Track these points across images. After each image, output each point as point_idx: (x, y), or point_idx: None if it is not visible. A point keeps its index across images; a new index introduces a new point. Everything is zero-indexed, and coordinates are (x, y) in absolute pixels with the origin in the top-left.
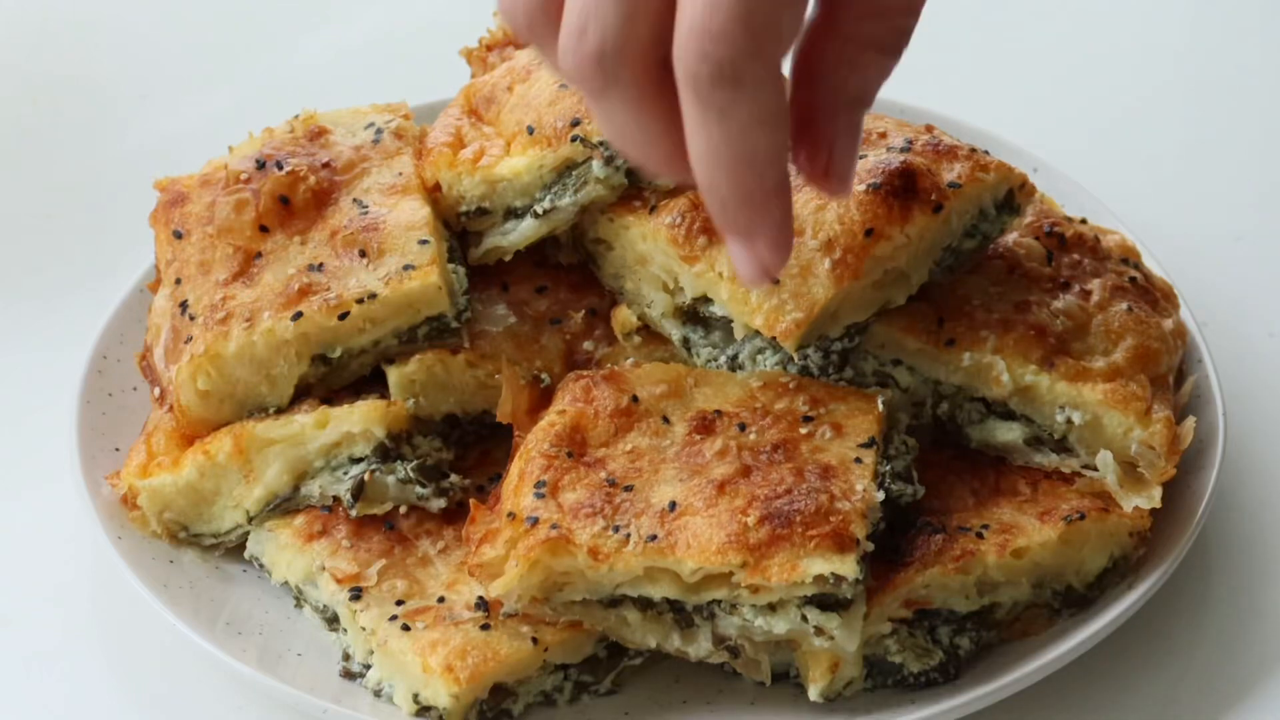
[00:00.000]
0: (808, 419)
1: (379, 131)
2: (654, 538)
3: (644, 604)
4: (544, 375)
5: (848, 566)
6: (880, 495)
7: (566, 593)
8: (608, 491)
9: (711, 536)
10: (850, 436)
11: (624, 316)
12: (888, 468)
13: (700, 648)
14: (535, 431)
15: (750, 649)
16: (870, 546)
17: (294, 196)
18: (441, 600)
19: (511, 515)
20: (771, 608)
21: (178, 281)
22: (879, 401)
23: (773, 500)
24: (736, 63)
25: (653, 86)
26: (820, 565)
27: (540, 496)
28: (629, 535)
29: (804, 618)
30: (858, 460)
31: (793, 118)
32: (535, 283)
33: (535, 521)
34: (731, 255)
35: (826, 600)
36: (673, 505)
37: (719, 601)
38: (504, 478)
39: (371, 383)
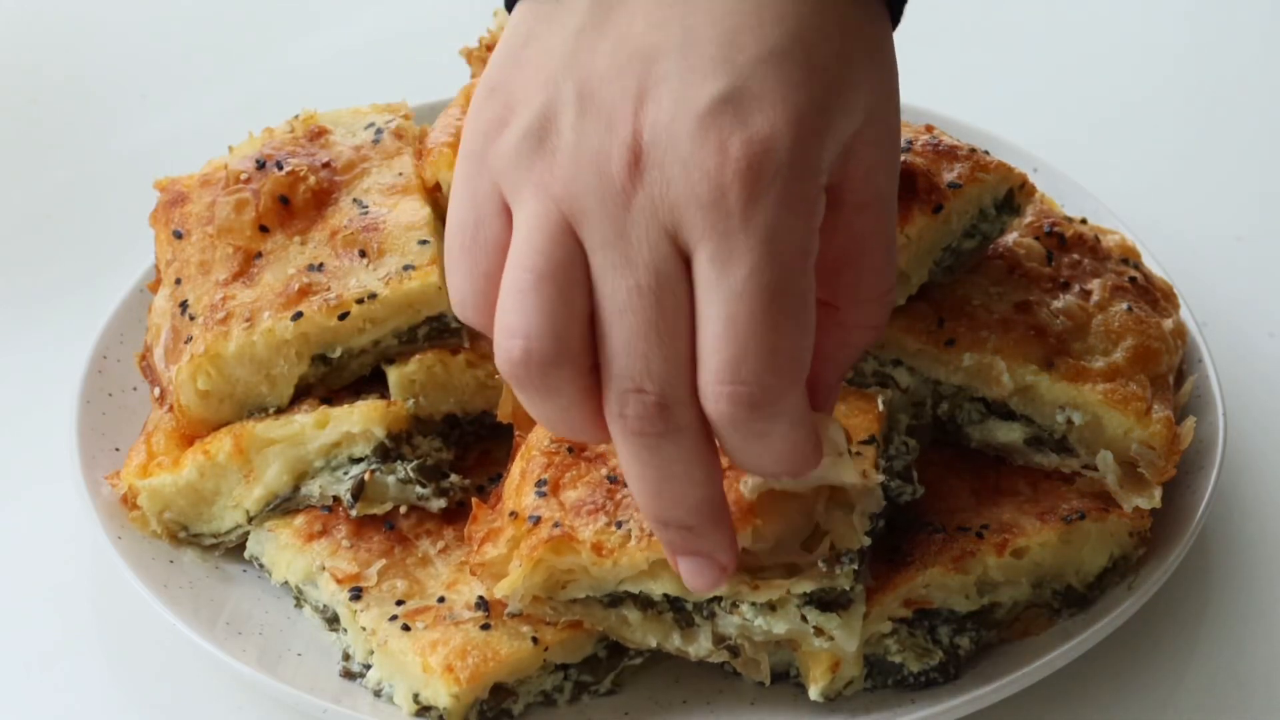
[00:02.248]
0: None
1: (379, 131)
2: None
3: (645, 603)
4: None
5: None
6: (880, 478)
7: (570, 590)
8: (609, 489)
9: None
10: (850, 436)
11: None
12: (886, 465)
13: (700, 647)
14: (536, 430)
15: (750, 649)
16: (868, 542)
17: (294, 196)
18: (441, 600)
19: (514, 514)
20: (771, 607)
21: (178, 281)
22: (879, 401)
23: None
24: (771, 399)
25: (705, 427)
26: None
27: (542, 495)
28: (631, 530)
29: (803, 618)
30: (857, 455)
31: None
32: None
33: (537, 520)
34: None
35: (826, 600)
36: None
37: (719, 600)
38: (505, 477)
39: (371, 383)
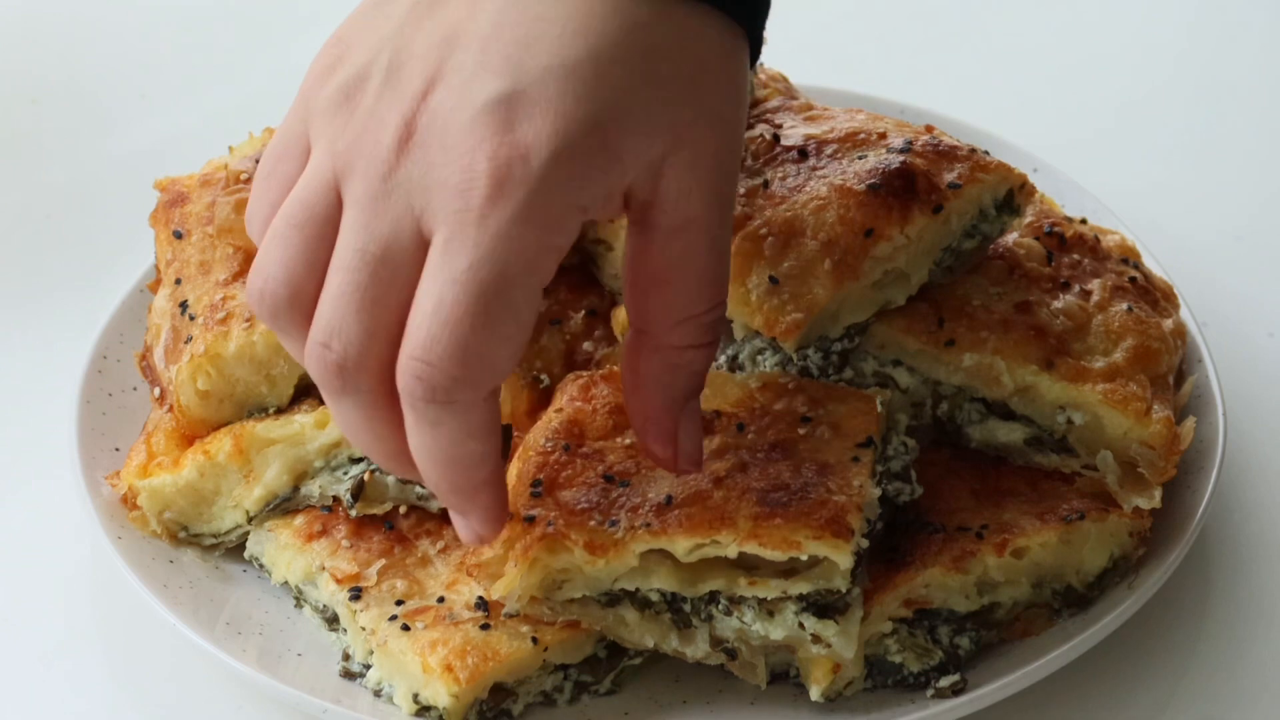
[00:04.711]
0: (806, 419)
1: None
2: (648, 525)
3: (642, 604)
4: (543, 376)
5: (843, 556)
6: (877, 492)
7: (566, 590)
8: (604, 487)
9: (706, 516)
10: (848, 436)
11: (624, 317)
12: (884, 467)
13: (698, 649)
14: (534, 429)
15: (747, 652)
16: (865, 544)
17: None
18: (441, 600)
19: (509, 515)
20: (769, 613)
21: (178, 281)
22: (877, 402)
23: (769, 492)
24: (449, 389)
25: (385, 396)
26: (816, 548)
27: (537, 495)
28: (622, 525)
29: (800, 625)
30: (855, 459)
31: (636, 417)
32: None
33: (532, 520)
34: (453, 521)
35: (823, 606)
36: (669, 499)
37: (717, 602)
38: None
39: None
